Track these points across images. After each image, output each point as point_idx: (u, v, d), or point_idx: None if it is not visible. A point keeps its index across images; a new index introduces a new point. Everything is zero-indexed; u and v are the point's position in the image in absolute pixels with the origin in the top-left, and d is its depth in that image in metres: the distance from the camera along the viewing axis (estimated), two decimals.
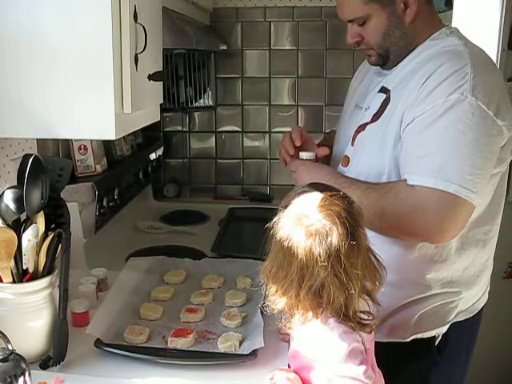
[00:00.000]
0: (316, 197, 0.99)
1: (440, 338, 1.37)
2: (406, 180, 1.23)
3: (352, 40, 1.37)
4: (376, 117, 1.34)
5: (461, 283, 1.35)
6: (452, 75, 1.21)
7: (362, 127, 1.38)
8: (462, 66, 1.22)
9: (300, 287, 0.96)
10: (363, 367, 0.96)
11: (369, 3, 1.29)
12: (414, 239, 1.27)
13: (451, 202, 1.19)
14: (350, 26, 1.36)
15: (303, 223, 0.96)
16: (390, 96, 1.33)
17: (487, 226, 1.34)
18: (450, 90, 1.20)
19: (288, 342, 1.24)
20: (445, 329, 1.36)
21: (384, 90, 1.36)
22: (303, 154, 1.45)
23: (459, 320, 1.38)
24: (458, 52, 1.27)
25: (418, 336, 1.34)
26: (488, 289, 1.46)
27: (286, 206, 1.02)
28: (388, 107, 1.32)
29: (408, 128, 1.25)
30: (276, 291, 1.00)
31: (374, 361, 1.05)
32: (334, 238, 0.94)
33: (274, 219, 1.01)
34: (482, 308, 1.45)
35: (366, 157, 1.35)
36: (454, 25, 1.41)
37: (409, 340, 1.34)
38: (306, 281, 0.95)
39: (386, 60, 1.37)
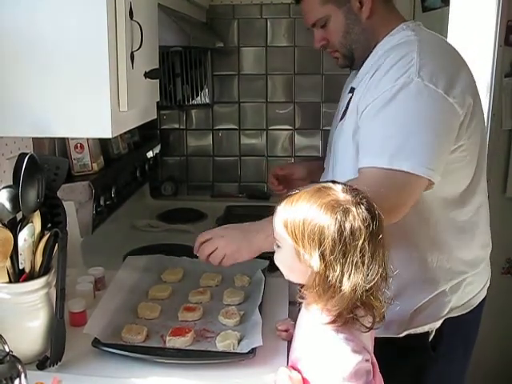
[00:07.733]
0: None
1: (434, 333, 1.37)
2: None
3: (319, 44, 1.46)
4: (343, 115, 1.39)
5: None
6: (399, 61, 1.25)
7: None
8: (408, 52, 1.26)
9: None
10: None
11: (325, 5, 1.37)
12: None
13: (406, 180, 1.19)
14: (315, 31, 1.44)
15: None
16: (353, 94, 1.37)
17: (465, 216, 1.36)
18: (397, 75, 1.23)
19: (286, 339, 1.24)
20: (438, 324, 1.37)
21: (351, 90, 1.41)
22: None
23: (453, 316, 1.38)
24: (408, 41, 1.31)
25: (411, 331, 1.35)
26: (487, 285, 1.46)
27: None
28: (350, 104, 1.37)
29: (362, 116, 1.28)
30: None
31: (375, 360, 1.04)
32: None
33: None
34: (480, 305, 1.44)
35: (338, 156, 1.39)
36: (450, 21, 1.42)
37: (402, 335, 1.34)
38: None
39: (352, 60, 1.43)
